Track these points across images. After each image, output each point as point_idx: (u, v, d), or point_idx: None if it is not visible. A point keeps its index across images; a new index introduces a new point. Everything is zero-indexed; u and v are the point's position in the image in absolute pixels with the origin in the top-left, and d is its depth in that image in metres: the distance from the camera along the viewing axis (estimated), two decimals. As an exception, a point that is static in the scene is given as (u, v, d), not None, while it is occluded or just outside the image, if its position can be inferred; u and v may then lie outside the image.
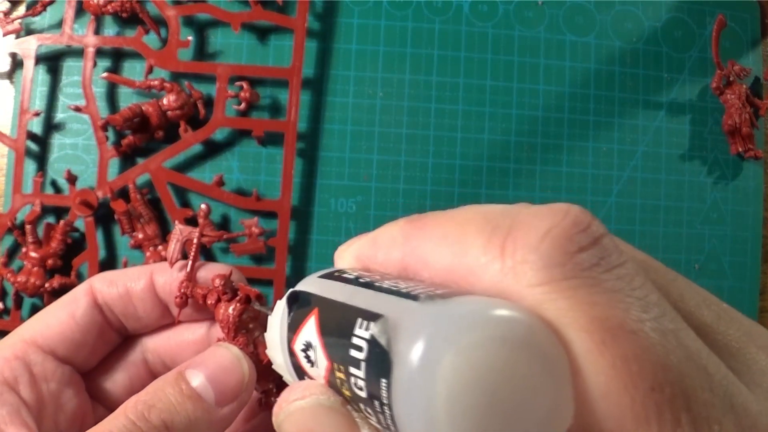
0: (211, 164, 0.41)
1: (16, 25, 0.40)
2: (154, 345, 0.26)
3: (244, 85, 0.39)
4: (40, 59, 0.40)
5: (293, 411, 0.16)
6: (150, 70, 0.39)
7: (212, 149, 0.41)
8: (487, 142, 0.41)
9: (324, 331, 0.16)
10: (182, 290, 0.24)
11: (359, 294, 0.15)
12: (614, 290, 0.13)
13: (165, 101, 0.39)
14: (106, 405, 0.25)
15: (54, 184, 0.40)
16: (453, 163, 0.41)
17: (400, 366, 0.12)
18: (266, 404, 0.24)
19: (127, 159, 0.40)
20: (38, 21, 0.41)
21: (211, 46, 0.41)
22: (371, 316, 0.14)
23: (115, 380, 0.25)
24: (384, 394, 0.13)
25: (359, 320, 0.14)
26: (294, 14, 0.40)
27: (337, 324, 0.15)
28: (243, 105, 0.40)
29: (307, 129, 0.41)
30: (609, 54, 0.43)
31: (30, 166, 0.40)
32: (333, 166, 0.41)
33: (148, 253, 0.38)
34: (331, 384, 0.16)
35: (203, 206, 0.39)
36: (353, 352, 0.14)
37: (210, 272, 0.25)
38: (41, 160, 0.40)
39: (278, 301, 0.20)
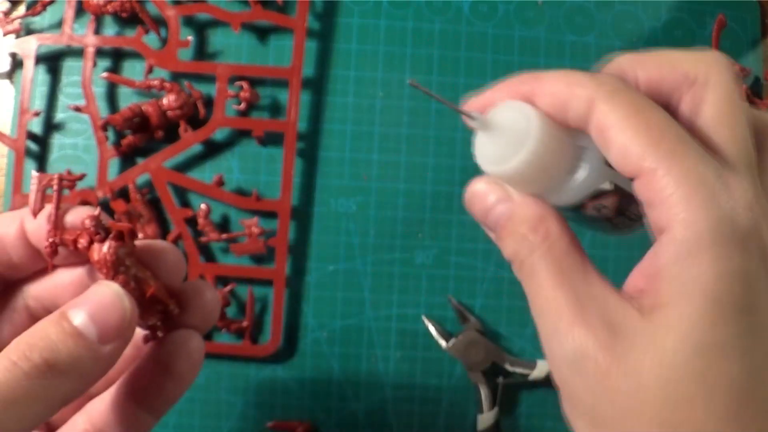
0: (211, 164, 0.41)
1: (16, 25, 0.40)
2: (35, 291, 0.25)
3: (244, 85, 0.39)
4: (40, 59, 0.40)
5: None
6: (150, 70, 0.39)
7: (212, 149, 0.41)
8: (487, 142, 0.41)
9: None
10: (50, 239, 0.23)
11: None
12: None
13: (165, 101, 0.39)
14: None
15: (54, 184, 0.40)
16: (453, 163, 0.41)
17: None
18: (153, 339, 0.24)
19: (127, 159, 0.40)
20: (38, 21, 0.41)
21: (211, 46, 0.41)
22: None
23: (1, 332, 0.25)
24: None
25: None
26: (294, 14, 0.40)
27: None
28: (243, 105, 0.40)
29: (307, 129, 0.41)
30: (609, 54, 0.43)
31: (30, 166, 0.40)
32: (333, 166, 0.41)
33: (148, 253, 0.38)
34: None
35: (203, 206, 0.39)
36: None
37: (77, 216, 0.23)
38: (41, 160, 0.40)
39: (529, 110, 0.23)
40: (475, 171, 0.38)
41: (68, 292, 0.24)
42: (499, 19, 0.42)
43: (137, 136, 0.39)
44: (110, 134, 0.40)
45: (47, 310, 0.24)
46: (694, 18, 0.43)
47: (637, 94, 0.22)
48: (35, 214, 0.23)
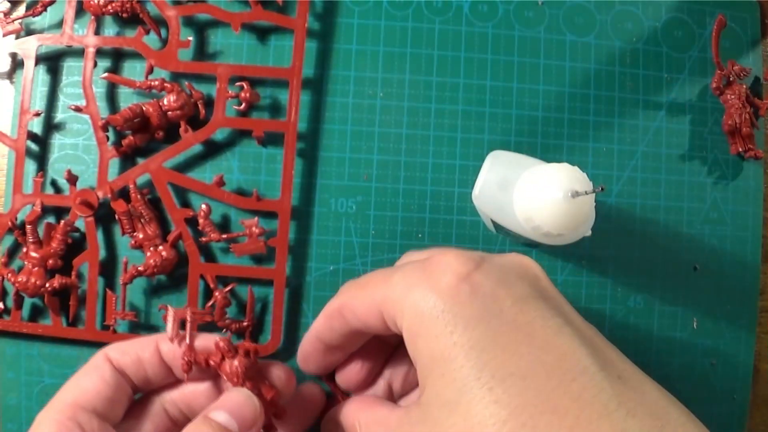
0: (212, 164, 0.41)
1: (16, 25, 0.40)
2: (170, 397, 0.31)
3: (245, 85, 0.40)
4: (40, 59, 0.40)
5: None
6: (150, 71, 0.39)
7: (212, 149, 0.41)
8: (487, 142, 0.41)
9: None
10: (186, 358, 0.28)
11: None
12: None
13: (165, 101, 0.39)
14: None
15: (54, 184, 0.41)
16: (453, 163, 0.41)
17: None
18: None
19: (128, 159, 0.40)
20: (38, 21, 0.41)
21: (211, 46, 0.41)
22: None
23: (144, 431, 0.30)
24: None
25: None
26: (294, 14, 0.40)
27: None
28: (243, 105, 0.40)
29: (307, 129, 0.41)
30: (609, 54, 0.43)
31: (30, 166, 0.40)
32: (333, 166, 0.41)
33: (148, 253, 0.39)
34: None
35: (203, 206, 0.39)
36: None
37: (204, 341, 0.30)
38: (41, 160, 0.41)
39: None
40: (475, 171, 0.39)
41: (200, 397, 0.30)
42: (499, 19, 0.42)
43: (137, 136, 0.39)
44: (111, 134, 0.40)
45: (182, 413, 0.30)
46: (694, 18, 0.43)
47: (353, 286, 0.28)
48: (173, 340, 0.29)
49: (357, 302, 0.27)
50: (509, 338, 0.21)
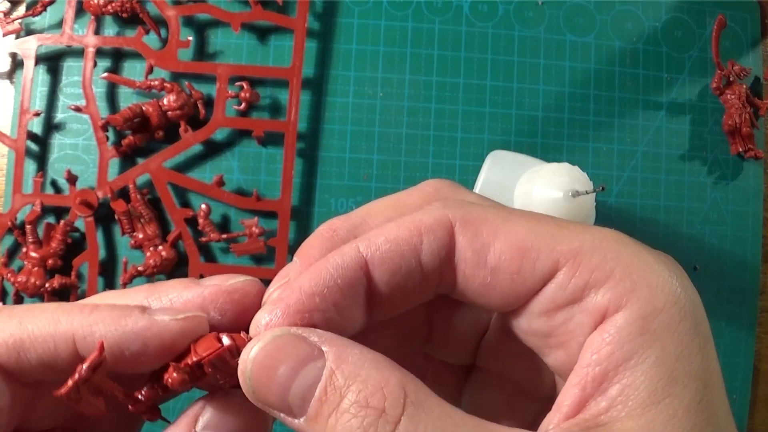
0: (211, 164, 0.41)
1: (16, 25, 0.40)
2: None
3: (245, 85, 0.39)
4: (40, 59, 0.40)
5: None
6: (150, 70, 0.39)
7: (212, 149, 0.41)
8: (487, 142, 0.41)
9: None
10: (134, 406, 0.17)
11: None
12: None
13: (165, 101, 0.39)
14: None
15: (54, 184, 0.40)
16: (453, 163, 0.41)
17: None
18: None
19: (127, 159, 0.40)
20: (38, 21, 0.41)
21: (211, 46, 0.41)
22: None
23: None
24: None
25: None
26: (294, 14, 0.40)
27: None
28: (243, 105, 0.40)
29: (307, 129, 0.41)
30: (609, 54, 0.43)
31: (30, 166, 0.40)
32: (333, 166, 0.41)
33: (148, 253, 0.39)
34: None
35: (203, 206, 0.39)
36: None
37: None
38: (41, 160, 0.41)
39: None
40: (475, 171, 0.39)
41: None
42: (499, 19, 0.42)
43: (137, 136, 0.39)
44: (110, 134, 0.40)
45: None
46: (694, 18, 0.43)
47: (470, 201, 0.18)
48: (70, 398, 0.16)
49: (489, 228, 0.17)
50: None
